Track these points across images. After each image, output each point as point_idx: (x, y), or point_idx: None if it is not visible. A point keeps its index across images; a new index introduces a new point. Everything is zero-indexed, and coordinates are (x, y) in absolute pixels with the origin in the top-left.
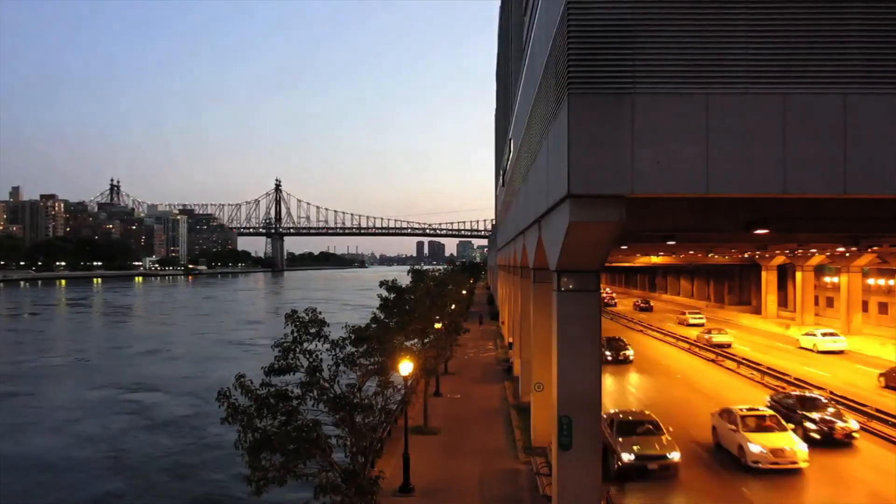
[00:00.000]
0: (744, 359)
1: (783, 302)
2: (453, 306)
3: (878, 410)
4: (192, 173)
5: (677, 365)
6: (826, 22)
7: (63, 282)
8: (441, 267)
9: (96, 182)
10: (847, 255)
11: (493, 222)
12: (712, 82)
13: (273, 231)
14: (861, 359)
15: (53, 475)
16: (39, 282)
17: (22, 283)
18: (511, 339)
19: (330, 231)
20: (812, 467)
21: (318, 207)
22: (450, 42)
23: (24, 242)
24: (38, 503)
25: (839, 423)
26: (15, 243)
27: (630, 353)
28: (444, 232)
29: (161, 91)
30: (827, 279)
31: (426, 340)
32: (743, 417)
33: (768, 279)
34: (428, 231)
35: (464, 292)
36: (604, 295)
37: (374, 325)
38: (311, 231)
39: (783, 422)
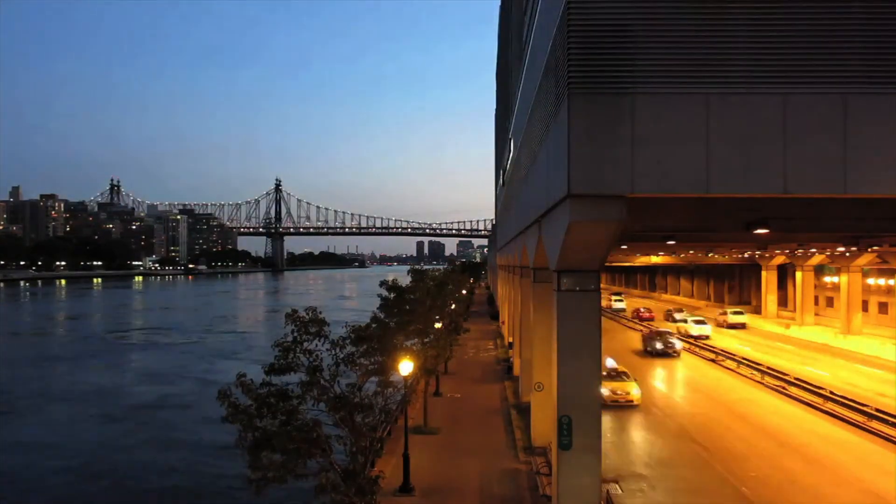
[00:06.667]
0: (744, 358)
1: (783, 301)
2: (453, 306)
3: (877, 410)
4: (192, 173)
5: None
6: (826, 22)
7: (63, 281)
8: (441, 267)
9: (96, 182)
10: (847, 254)
11: (493, 222)
12: (713, 82)
13: (273, 231)
14: (860, 359)
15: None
16: (39, 281)
17: (22, 282)
18: (511, 339)
19: (330, 231)
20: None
21: (318, 207)
22: (450, 40)
23: (25, 242)
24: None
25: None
26: (15, 243)
27: None
28: (444, 232)
29: (161, 91)
30: (827, 279)
31: (426, 340)
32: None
33: (768, 279)
34: (428, 231)
35: (464, 292)
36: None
37: (374, 325)
38: (311, 231)
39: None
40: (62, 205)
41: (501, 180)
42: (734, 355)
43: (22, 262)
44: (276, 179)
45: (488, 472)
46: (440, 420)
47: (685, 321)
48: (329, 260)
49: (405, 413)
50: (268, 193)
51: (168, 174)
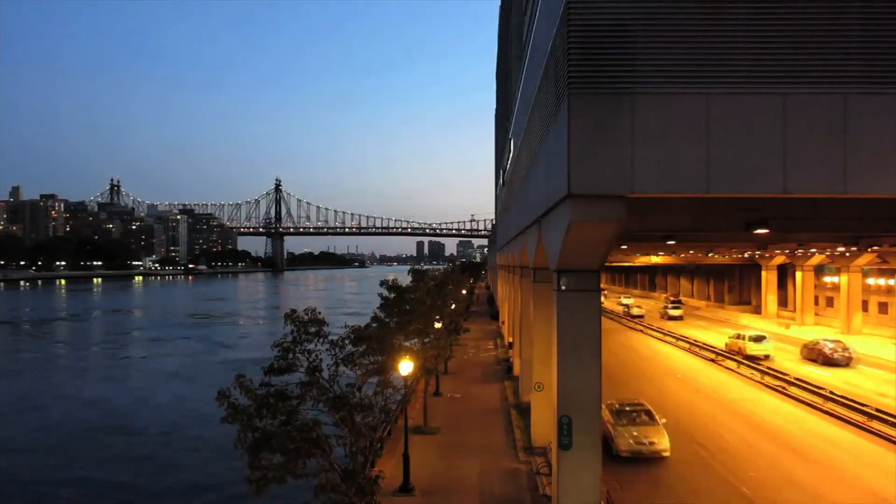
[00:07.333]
0: (744, 358)
1: (783, 301)
2: (453, 306)
3: (878, 410)
4: (192, 173)
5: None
6: (826, 22)
7: (63, 281)
8: (441, 267)
9: (96, 182)
10: (847, 254)
11: (493, 222)
12: (713, 82)
13: (273, 231)
14: (860, 359)
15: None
16: (39, 281)
17: (22, 282)
18: (511, 339)
19: (330, 231)
20: None
21: (318, 207)
22: (451, 41)
23: (25, 242)
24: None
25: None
26: (15, 243)
27: None
28: (444, 232)
29: (161, 90)
30: (827, 279)
31: (426, 340)
32: None
33: (768, 279)
34: (428, 231)
35: (464, 292)
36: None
37: (374, 325)
38: (311, 231)
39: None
40: (62, 205)
41: (501, 180)
42: (735, 356)
43: (22, 262)
44: (276, 179)
45: (488, 472)
46: (440, 420)
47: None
48: (329, 260)
49: (405, 413)
50: (268, 193)
51: (168, 174)
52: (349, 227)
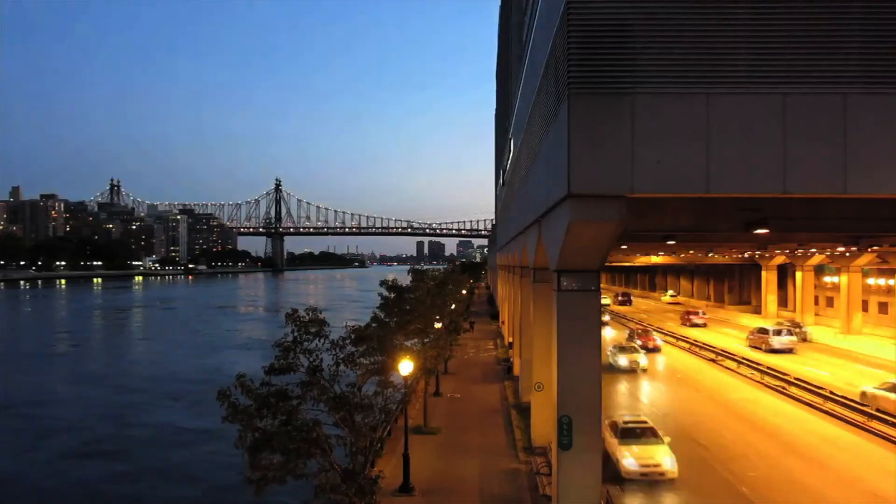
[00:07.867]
0: (744, 358)
1: (783, 301)
2: (453, 306)
3: (878, 410)
4: (193, 173)
5: None
6: (826, 22)
7: (63, 281)
8: (441, 267)
9: (96, 182)
10: (847, 254)
11: (493, 222)
12: (713, 82)
13: (273, 231)
14: (860, 358)
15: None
16: (39, 281)
17: (22, 282)
18: (511, 339)
19: (330, 231)
20: None
21: (318, 207)
22: (451, 41)
23: (25, 242)
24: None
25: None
26: (15, 243)
27: None
28: (444, 232)
29: (161, 91)
30: (827, 279)
31: (426, 340)
32: None
33: (768, 279)
34: (428, 231)
35: (464, 292)
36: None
37: (374, 325)
38: (311, 231)
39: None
40: (62, 205)
41: (501, 180)
42: (734, 355)
43: (22, 262)
44: (276, 179)
45: (488, 472)
46: (440, 420)
47: None
48: (329, 260)
49: (405, 413)
50: (268, 193)
51: (168, 174)
52: (349, 227)
